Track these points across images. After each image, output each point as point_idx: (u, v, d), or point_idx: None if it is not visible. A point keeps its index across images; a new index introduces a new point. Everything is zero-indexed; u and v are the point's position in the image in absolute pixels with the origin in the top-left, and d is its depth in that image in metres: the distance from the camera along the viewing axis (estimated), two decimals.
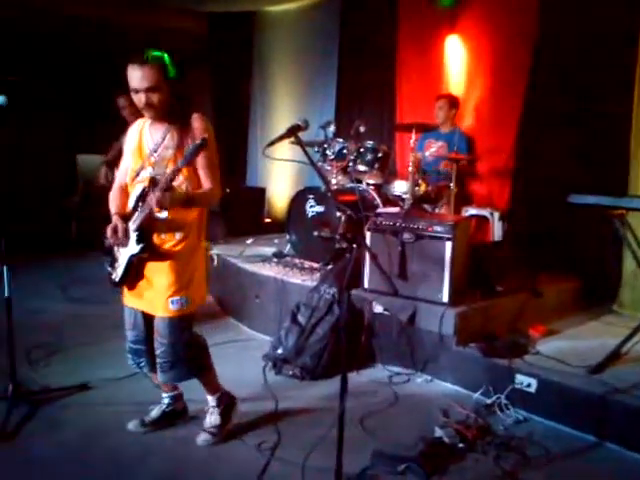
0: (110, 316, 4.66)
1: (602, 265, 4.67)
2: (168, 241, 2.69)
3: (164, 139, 2.64)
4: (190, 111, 2.68)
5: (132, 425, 2.94)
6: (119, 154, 5.17)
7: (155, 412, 3.00)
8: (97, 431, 2.94)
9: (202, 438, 2.86)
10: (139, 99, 2.56)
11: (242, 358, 3.85)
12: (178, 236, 2.68)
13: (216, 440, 2.86)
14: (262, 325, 4.46)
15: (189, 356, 2.76)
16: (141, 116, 2.77)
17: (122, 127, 5.13)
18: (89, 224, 6.73)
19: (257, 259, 4.94)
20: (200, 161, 2.61)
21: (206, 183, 2.66)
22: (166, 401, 3.02)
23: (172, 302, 2.68)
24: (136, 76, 2.51)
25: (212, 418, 2.92)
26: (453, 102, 5.40)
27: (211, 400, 2.94)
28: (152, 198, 2.46)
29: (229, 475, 2.65)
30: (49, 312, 4.75)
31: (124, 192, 2.80)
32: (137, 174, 2.68)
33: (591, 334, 4.02)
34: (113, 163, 5.24)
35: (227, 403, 2.96)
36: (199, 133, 2.57)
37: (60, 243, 6.62)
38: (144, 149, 2.71)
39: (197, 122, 2.64)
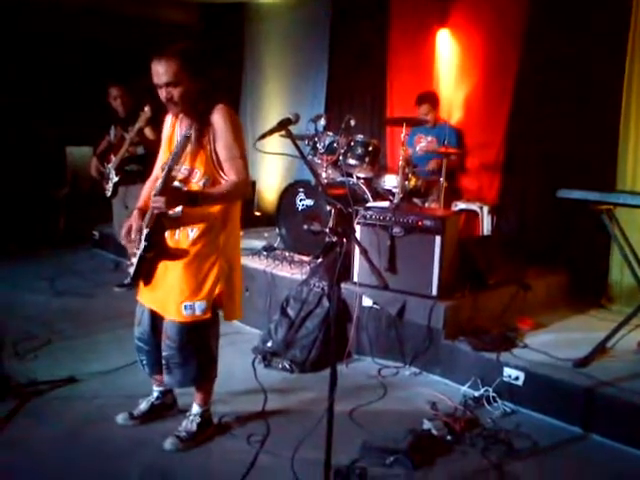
0: (98, 309, 4.69)
1: (590, 259, 4.70)
2: (182, 241, 2.63)
3: None
4: (213, 104, 2.58)
5: (120, 418, 2.92)
6: (109, 145, 5.18)
7: (144, 405, 2.99)
8: (85, 424, 2.93)
9: (170, 442, 2.72)
10: (161, 94, 2.54)
11: (231, 351, 3.84)
12: (192, 235, 2.60)
13: (184, 447, 2.72)
14: (251, 318, 4.44)
15: (196, 362, 2.70)
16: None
17: (112, 118, 5.11)
18: (77, 216, 6.73)
19: (247, 252, 4.91)
20: (221, 153, 2.56)
21: (230, 176, 2.56)
22: (155, 394, 3.01)
23: (185, 307, 2.62)
24: (156, 71, 2.49)
25: (189, 425, 2.80)
26: (435, 101, 5.43)
27: (196, 409, 2.84)
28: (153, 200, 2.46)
29: (218, 467, 2.65)
30: (37, 305, 4.72)
31: (154, 184, 2.74)
32: (162, 168, 2.65)
33: (578, 328, 4.06)
34: (104, 155, 5.19)
35: (208, 419, 2.87)
36: (217, 127, 2.54)
37: (48, 235, 6.57)
38: (174, 142, 2.70)
39: (216, 115, 2.56)
